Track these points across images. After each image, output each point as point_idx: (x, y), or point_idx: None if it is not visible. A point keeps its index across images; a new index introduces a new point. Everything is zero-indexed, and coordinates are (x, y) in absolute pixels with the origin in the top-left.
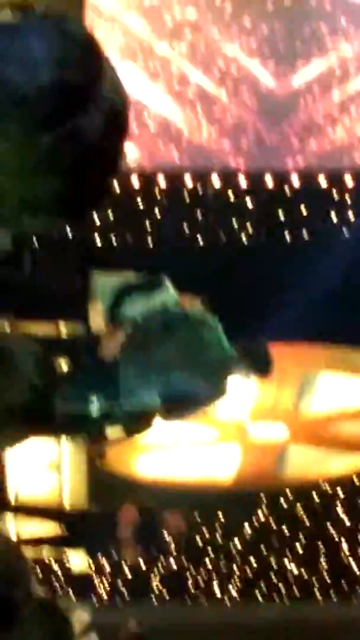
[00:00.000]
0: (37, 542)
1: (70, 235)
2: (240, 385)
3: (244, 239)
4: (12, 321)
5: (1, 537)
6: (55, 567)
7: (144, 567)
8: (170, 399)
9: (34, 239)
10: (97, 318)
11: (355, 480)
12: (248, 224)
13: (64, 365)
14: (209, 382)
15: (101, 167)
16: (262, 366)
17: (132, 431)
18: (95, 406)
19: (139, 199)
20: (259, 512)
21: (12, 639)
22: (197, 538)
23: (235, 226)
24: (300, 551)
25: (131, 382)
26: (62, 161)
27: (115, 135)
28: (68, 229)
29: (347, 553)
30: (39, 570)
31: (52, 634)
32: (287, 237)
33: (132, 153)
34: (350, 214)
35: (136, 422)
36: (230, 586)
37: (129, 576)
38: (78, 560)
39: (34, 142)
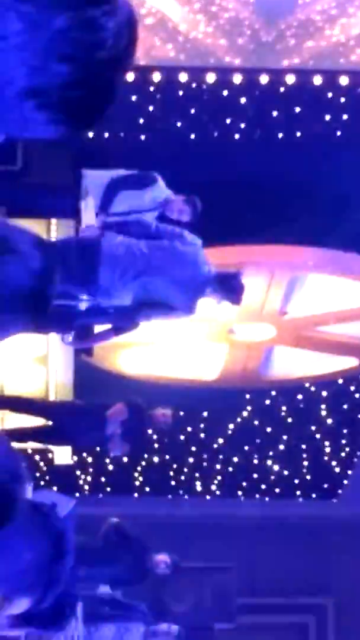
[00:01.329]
0: (23, 435)
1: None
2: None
3: (236, 136)
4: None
5: None
6: (39, 459)
7: (126, 462)
8: (143, 302)
9: None
10: (89, 215)
11: (339, 381)
12: (241, 122)
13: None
14: (181, 293)
15: (110, 70)
16: (234, 295)
17: (119, 331)
18: (80, 302)
19: (133, 94)
20: (243, 410)
21: (10, 533)
22: (181, 435)
23: (228, 123)
24: (283, 450)
25: (109, 284)
26: (73, 47)
27: (127, 43)
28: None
29: (329, 453)
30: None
31: (43, 527)
32: (280, 136)
33: None
34: (343, 114)
35: (121, 323)
36: (211, 482)
37: (112, 470)
38: (62, 454)
39: (47, 22)
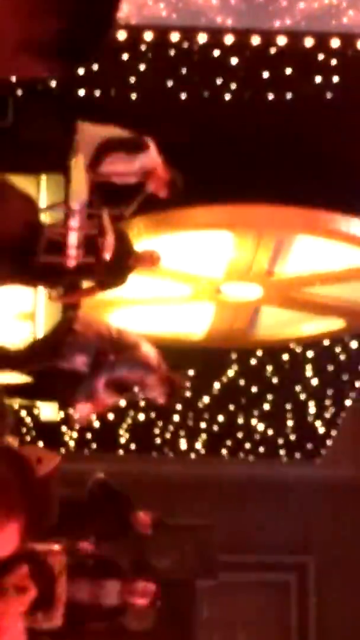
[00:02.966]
0: (9, 390)
1: (54, 86)
2: (217, 245)
3: (227, 96)
4: None
5: None
6: (25, 415)
7: (112, 419)
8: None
9: (18, 88)
10: (77, 171)
11: (325, 343)
12: (232, 82)
13: None
14: None
15: (103, 10)
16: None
17: (106, 285)
18: None
19: (124, 53)
20: (229, 370)
21: None
22: None
23: (219, 84)
24: (268, 410)
25: None
26: None
27: None
28: (53, 80)
29: (313, 414)
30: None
31: (17, 469)
32: (270, 97)
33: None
34: (334, 76)
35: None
36: (196, 441)
37: (98, 427)
38: (48, 410)
39: None
